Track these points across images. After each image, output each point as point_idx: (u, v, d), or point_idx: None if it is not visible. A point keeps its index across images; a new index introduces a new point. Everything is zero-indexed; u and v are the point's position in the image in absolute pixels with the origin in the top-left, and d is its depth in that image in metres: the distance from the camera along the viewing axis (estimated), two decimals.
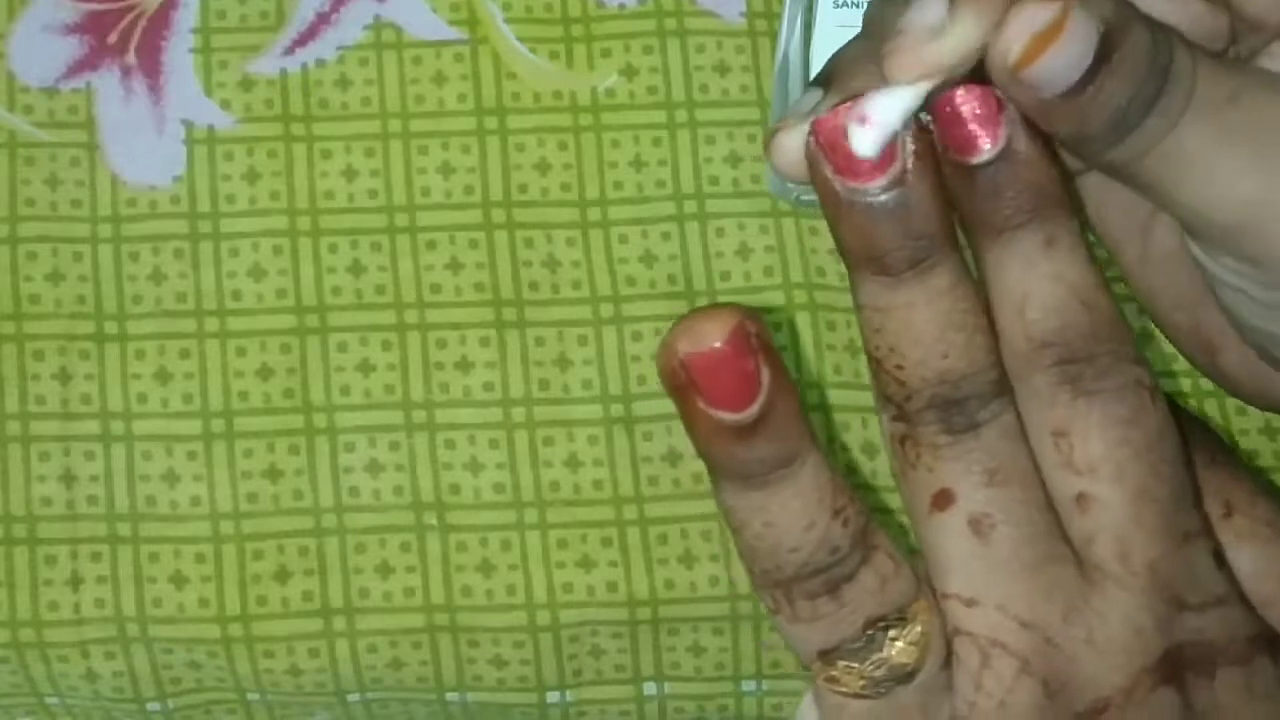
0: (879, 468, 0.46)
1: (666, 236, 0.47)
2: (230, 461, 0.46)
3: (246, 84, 0.48)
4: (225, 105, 0.48)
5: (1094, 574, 0.29)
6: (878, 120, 0.28)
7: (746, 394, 0.27)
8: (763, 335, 0.28)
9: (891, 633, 0.29)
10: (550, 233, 0.47)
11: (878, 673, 0.29)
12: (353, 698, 0.46)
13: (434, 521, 0.46)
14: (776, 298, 0.47)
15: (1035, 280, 0.29)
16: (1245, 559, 0.30)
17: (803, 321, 0.47)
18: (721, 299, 0.47)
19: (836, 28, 0.45)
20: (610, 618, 0.45)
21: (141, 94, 0.48)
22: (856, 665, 0.29)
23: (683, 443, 0.46)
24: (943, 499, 0.29)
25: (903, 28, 0.29)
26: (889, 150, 0.28)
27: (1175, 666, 0.29)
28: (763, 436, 0.28)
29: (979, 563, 0.29)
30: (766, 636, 0.45)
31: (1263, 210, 0.30)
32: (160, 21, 0.48)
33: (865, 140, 0.29)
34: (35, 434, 0.46)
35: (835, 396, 0.46)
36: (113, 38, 0.48)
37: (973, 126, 0.29)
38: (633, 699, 0.46)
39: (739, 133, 0.48)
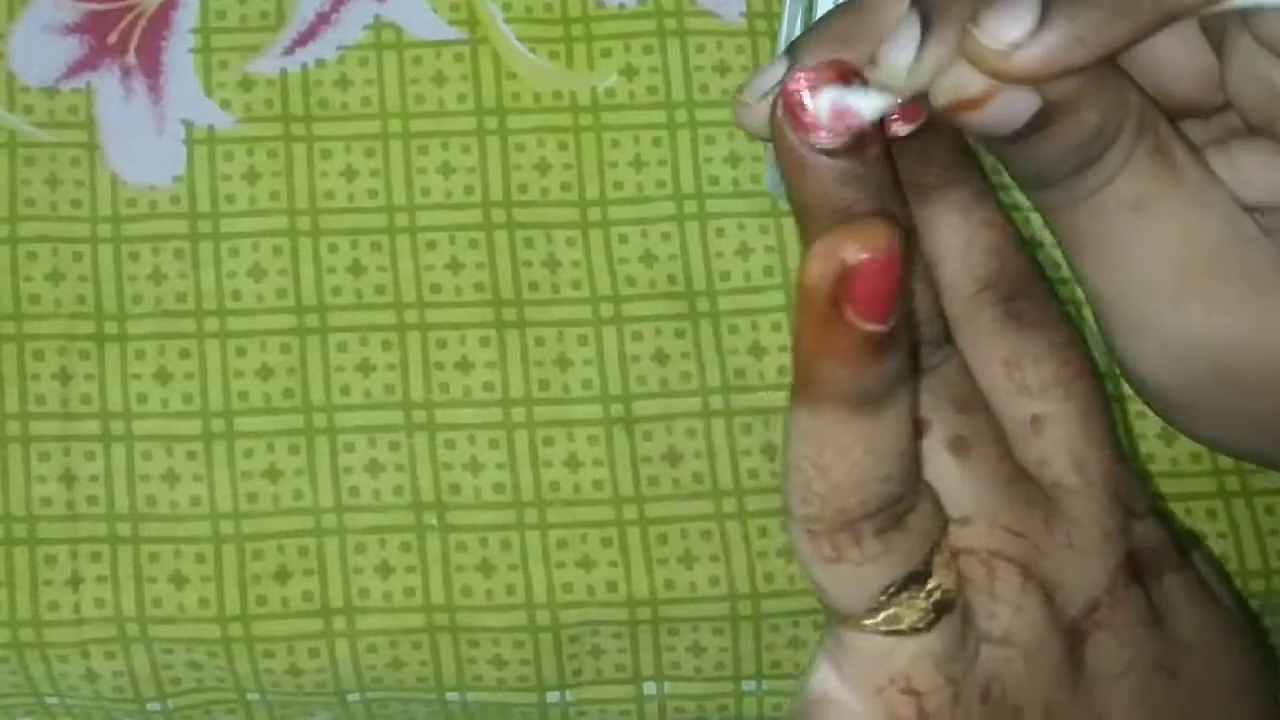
0: None
1: (666, 236, 0.47)
2: (230, 461, 0.46)
3: (246, 84, 0.48)
4: (225, 105, 0.48)
5: (1055, 490, 0.31)
6: (852, 118, 0.29)
7: (893, 303, 0.27)
8: (901, 254, 0.27)
9: (937, 558, 0.29)
10: (550, 233, 0.47)
11: (931, 600, 0.29)
12: (353, 698, 0.46)
13: (434, 521, 0.46)
14: (776, 298, 0.47)
15: (974, 227, 0.31)
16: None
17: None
18: (721, 299, 0.47)
19: None
20: (610, 618, 0.45)
21: (141, 94, 0.48)
22: (917, 594, 0.29)
23: (683, 442, 0.46)
24: (920, 426, 0.30)
25: (878, 61, 0.29)
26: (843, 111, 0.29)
27: (1136, 571, 0.30)
28: (893, 350, 0.28)
29: (964, 482, 0.30)
30: (766, 636, 0.45)
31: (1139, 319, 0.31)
32: (160, 21, 0.48)
33: (830, 128, 0.29)
34: (35, 434, 0.46)
35: None
36: (113, 38, 0.48)
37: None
38: (633, 699, 0.46)
39: (739, 133, 0.48)
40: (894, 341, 0.28)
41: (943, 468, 0.30)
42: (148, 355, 0.46)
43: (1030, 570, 0.30)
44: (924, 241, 0.31)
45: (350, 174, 0.47)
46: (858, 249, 0.27)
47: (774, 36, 0.48)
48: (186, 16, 0.48)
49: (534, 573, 0.45)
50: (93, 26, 0.48)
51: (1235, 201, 0.30)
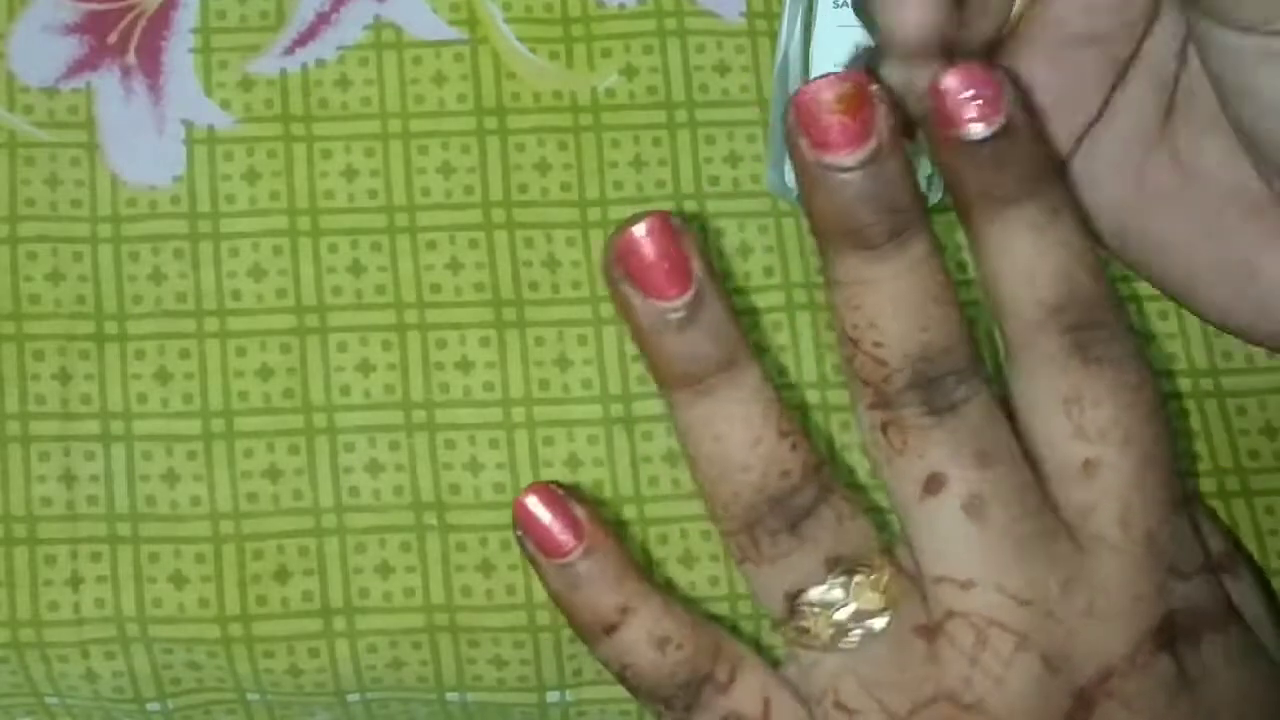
0: None
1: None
2: (230, 461, 0.46)
3: (246, 84, 0.48)
4: (225, 105, 0.48)
5: (1091, 544, 0.30)
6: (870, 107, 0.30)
7: (678, 277, 0.29)
8: (691, 234, 0.30)
9: (857, 577, 0.29)
10: (550, 232, 0.47)
11: (845, 618, 0.29)
12: (353, 698, 0.46)
13: (434, 521, 0.46)
14: (776, 298, 0.47)
15: (1046, 247, 0.29)
16: None
17: (803, 321, 0.47)
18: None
19: (837, 28, 0.45)
20: None
21: (141, 94, 0.48)
22: (824, 609, 0.30)
23: None
24: (934, 483, 0.29)
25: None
26: (865, 123, 0.29)
27: (1169, 634, 0.29)
28: (699, 328, 0.29)
29: (974, 544, 0.29)
30: (765, 637, 0.45)
31: None
32: (160, 21, 0.48)
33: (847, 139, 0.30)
34: (35, 434, 0.46)
35: (835, 397, 0.46)
36: (113, 38, 0.48)
37: (976, 104, 0.29)
38: (633, 699, 0.46)
39: (739, 133, 0.48)
40: (700, 315, 0.29)
41: (954, 527, 0.29)
42: (148, 355, 0.46)
43: (1030, 640, 0.29)
44: (986, 263, 0.30)
45: (350, 174, 0.47)
46: (620, 234, 0.29)
47: (774, 36, 0.48)
48: (186, 16, 0.48)
49: (534, 573, 0.45)
50: (93, 26, 0.48)
51: None
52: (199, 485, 0.46)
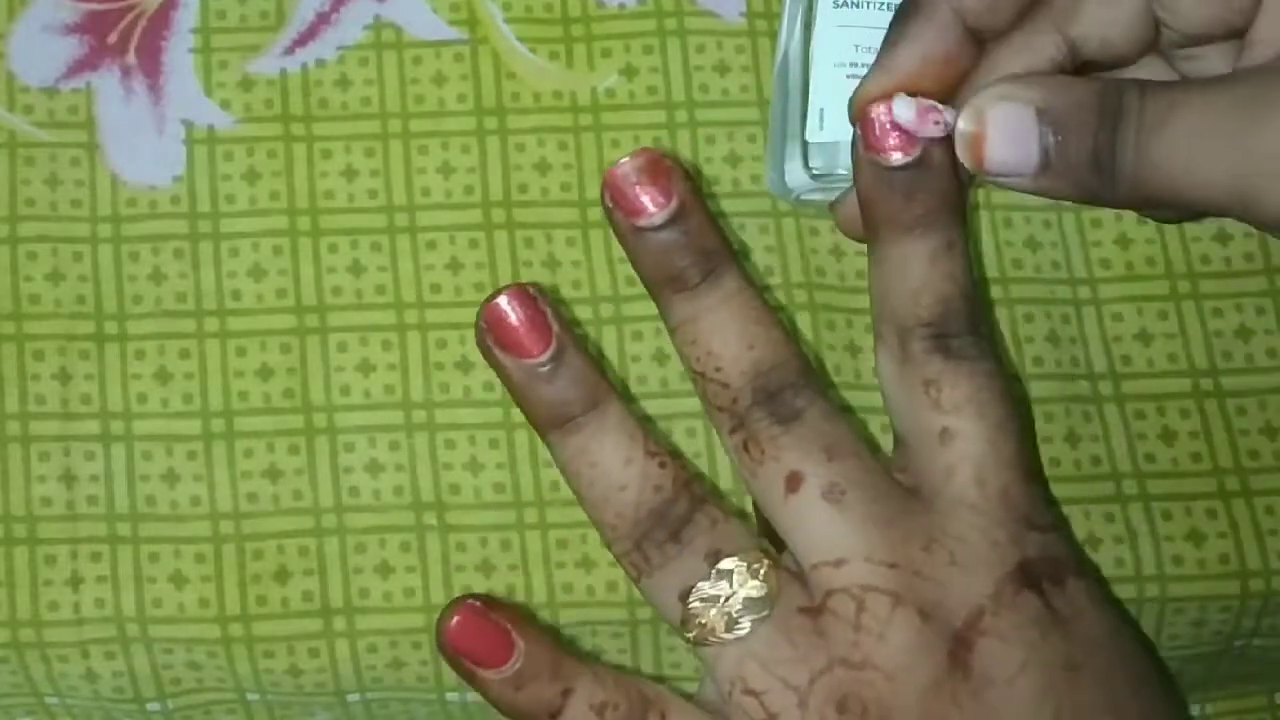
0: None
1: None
2: (230, 461, 0.46)
3: (246, 84, 0.48)
4: (225, 105, 0.48)
5: (951, 505, 0.34)
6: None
7: (540, 336, 0.34)
8: (546, 297, 0.35)
9: (738, 567, 0.33)
10: (550, 232, 0.47)
11: (734, 607, 0.33)
12: (352, 698, 0.46)
13: (434, 521, 0.46)
14: (777, 298, 0.47)
15: (935, 278, 0.35)
16: None
17: (803, 321, 0.47)
18: None
19: (837, 28, 0.45)
20: (610, 617, 0.45)
21: (141, 94, 0.48)
22: (713, 602, 0.33)
23: (682, 442, 0.46)
24: (794, 481, 0.34)
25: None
26: (665, 188, 0.35)
27: (1031, 575, 0.33)
28: (564, 378, 0.35)
29: (839, 525, 0.33)
30: None
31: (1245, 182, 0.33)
32: (160, 21, 0.48)
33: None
34: (35, 434, 0.46)
35: (835, 396, 0.46)
36: (113, 38, 0.48)
37: (895, 136, 0.33)
38: None
39: (739, 133, 0.48)
40: (563, 367, 0.35)
41: (818, 516, 0.33)
42: (148, 355, 0.46)
43: (903, 597, 0.32)
44: (882, 275, 0.35)
45: (350, 174, 0.47)
46: (485, 306, 0.35)
47: (774, 36, 0.48)
48: (186, 16, 0.48)
49: (534, 573, 0.45)
50: (93, 26, 0.48)
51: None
52: (199, 485, 0.46)
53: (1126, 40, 0.35)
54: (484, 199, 0.47)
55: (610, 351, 0.46)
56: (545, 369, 0.35)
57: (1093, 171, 0.33)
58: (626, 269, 0.47)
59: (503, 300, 0.35)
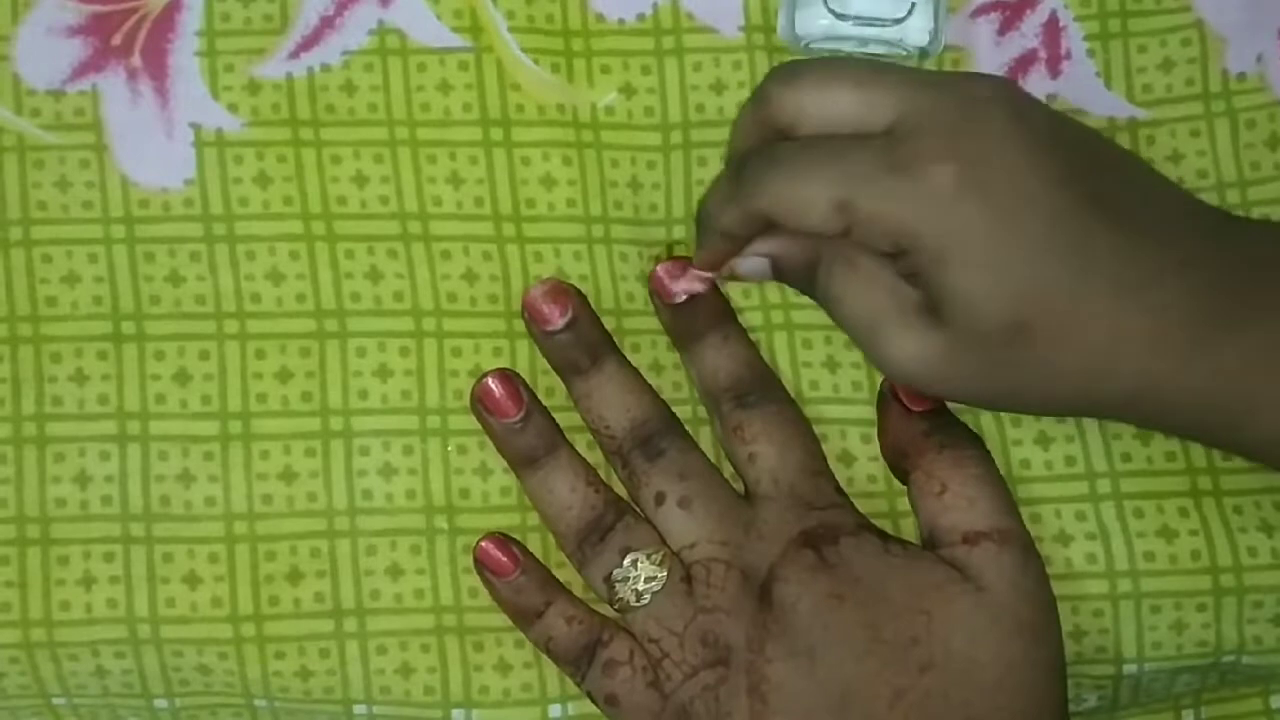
0: (855, 474, 0.48)
1: (660, 259, 0.47)
2: (246, 463, 0.46)
3: (253, 87, 0.48)
4: (233, 108, 0.48)
5: (759, 501, 0.46)
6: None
7: (515, 404, 0.46)
8: (519, 377, 0.47)
9: (642, 558, 0.45)
10: (558, 247, 0.48)
11: (640, 584, 0.45)
12: (359, 709, 0.46)
13: (444, 525, 0.46)
14: (755, 318, 0.48)
15: (722, 359, 0.47)
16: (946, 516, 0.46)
17: (780, 341, 0.48)
18: None
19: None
20: (611, 617, 0.47)
21: (148, 96, 0.48)
22: (626, 581, 0.45)
23: None
24: (660, 497, 0.46)
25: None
26: (563, 304, 0.46)
27: (810, 539, 0.45)
28: (530, 431, 0.46)
29: (690, 522, 0.46)
30: None
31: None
32: (165, 24, 0.48)
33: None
34: (51, 435, 0.46)
35: (812, 412, 0.48)
36: (117, 39, 0.48)
37: (682, 283, 0.47)
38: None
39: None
40: (530, 424, 0.46)
41: (676, 517, 0.46)
42: (167, 356, 0.46)
43: (732, 563, 0.45)
44: (692, 365, 0.47)
45: (361, 180, 0.48)
46: (478, 385, 0.46)
47: (771, 50, 0.48)
48: (191, 19, 0.48)
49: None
50: (96, 28, 0.48)
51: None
52: (214, 486, 0.46)
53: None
54: (494, 212, 0.48)
55: None
56: (518, 426, 0.46)
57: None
58: (627, 286, 0.48)
59: (490, 380, 0.46)
